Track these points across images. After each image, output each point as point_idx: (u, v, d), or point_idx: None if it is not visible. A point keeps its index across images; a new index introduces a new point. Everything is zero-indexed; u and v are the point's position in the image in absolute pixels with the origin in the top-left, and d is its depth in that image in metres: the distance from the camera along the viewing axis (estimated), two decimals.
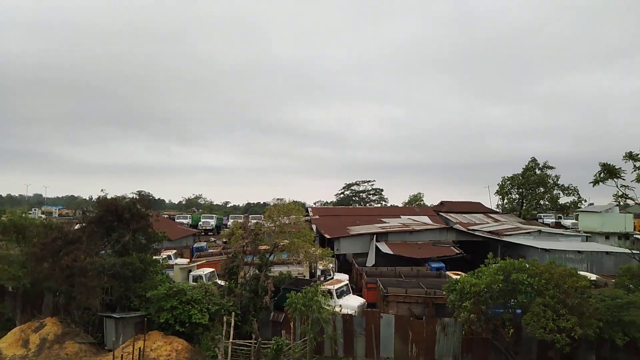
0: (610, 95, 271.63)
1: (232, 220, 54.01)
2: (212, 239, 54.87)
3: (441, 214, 49.96)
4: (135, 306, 20.20)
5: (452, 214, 49.60)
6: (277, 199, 26.13)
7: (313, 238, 24.52)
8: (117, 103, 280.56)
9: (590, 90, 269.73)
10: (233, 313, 18.90)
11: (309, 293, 18.13)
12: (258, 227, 23.78)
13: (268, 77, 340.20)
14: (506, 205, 65.58)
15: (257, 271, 21.98)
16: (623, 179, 19.56)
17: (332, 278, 27.36)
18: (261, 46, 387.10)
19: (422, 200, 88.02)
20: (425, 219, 46.70)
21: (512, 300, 17.41)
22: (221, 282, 24.85)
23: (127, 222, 22.51)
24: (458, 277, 20.87)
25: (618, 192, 19.88)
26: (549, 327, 15.49)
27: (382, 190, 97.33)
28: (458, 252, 34.92)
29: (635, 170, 19.19)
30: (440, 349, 19.58)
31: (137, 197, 24.99)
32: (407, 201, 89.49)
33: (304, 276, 28.22)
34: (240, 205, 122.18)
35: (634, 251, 24.96)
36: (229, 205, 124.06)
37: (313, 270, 29.16)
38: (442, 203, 57.03)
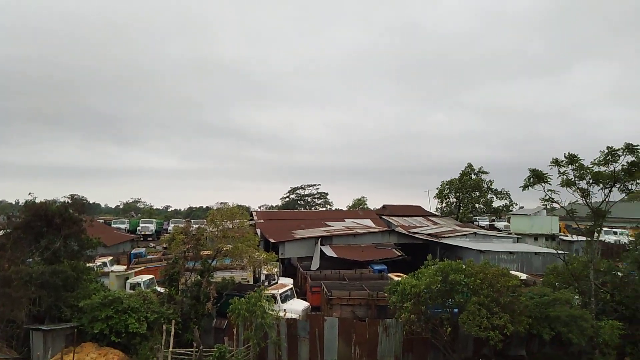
0: (538, 106, 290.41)
1: (173, 225, 52.41)
2: (152, 244, 52.75)
3: (383, 217, 51.16)
4: (67, 317, 18.99)
5: (394, 217, 50.93)
6: (221, 203, 25.81)
7: (257, 242, 24.27)
8: (46, 100, 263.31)
9: (521, 100, 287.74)
10: (173, 321, 18.27)
11: (252, 298, 17.89)
12: (200, 231, 23.22)
13: (213, 78, 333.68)
14: (444, 209, 68.28)
15: (199, 277, 21.40)
16: (550, 184, 20.86)
17: (277, 282, 27.20)
18: (207, 45, 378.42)
19: (366, 204, 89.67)
20: (369, 222, 47.61)
21: (450, 300, 18.10)
22: (161, 290, 23.95)
23: (57, 227, 21.16)
24: (399, 278, 21.41)
25: (545, 196, 21.16)
26: (483, 325, 16.24)
27: (327, 194, 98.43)
28: (399, 254, 35.84)
29: (560, 176, 20.52)
30: (383, 349, 19.96)
31: (70, 201, 23.57)
32: (351, 205, 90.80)
33: (248, 281, 27.84)
34: (182, 209, 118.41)
35: (559, 251, 26.72)
36: (169, 210, 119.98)
37: (257, 275, 28.81)
38: (384, 207, 58.47)
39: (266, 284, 26.47)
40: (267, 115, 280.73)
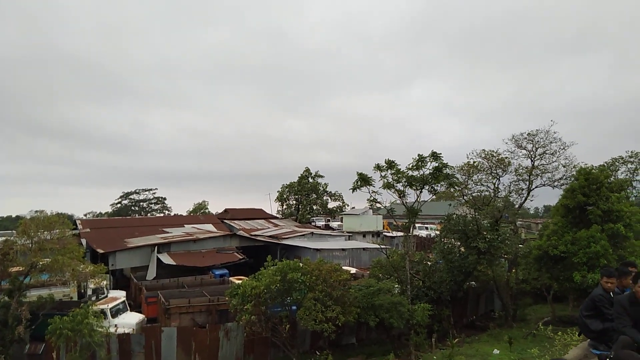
0: (381, 116, 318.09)
1: None
2: None
3: (225, 221, 50.70)
4: None
5: (235, 221, 50.85)
6: (36, 212, 22.33)
7: (82, 254, 21.93)
8: None
9: (370, 112, 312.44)
10: None
11: (78, 316, 16.07)
12: (8, 245, 19.96)
13: (47, 68, 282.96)
14: (285, 211, 70.74)
15: (6, 298, 18.35)
16: (374, 186, 23.35)
17: (107, 296, 24.98)
18: (46, 30, 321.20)
19: (207, 208, 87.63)
20: (210, 227, 46.69)
21: (289, 298, 18.90)
22: None
23: None
24: (240, 281, 21.57)
25: (370, 197, 23.60)
26: (318, 319, 17.38)
27: (164, 199, 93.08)
28: (241, 257, 35.96)
29: (382, 179, 23.14)
30: (224, 354, 19.83)
31: None
32: (191, 210, 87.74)
33: (72, 297, 24.90)
34: None
35: (382, 246, 30.07)
36: None
37: (83, 290, 25.96)
38: (226, 210, 57.97)
39: (94, 298, 24.09)
40: (112, 115, 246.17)
